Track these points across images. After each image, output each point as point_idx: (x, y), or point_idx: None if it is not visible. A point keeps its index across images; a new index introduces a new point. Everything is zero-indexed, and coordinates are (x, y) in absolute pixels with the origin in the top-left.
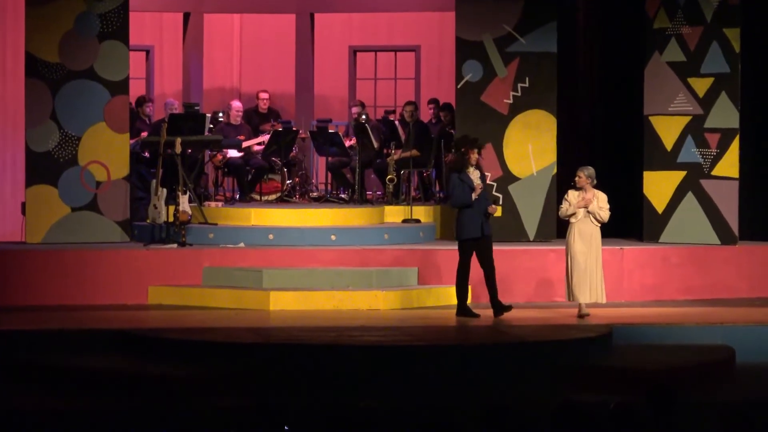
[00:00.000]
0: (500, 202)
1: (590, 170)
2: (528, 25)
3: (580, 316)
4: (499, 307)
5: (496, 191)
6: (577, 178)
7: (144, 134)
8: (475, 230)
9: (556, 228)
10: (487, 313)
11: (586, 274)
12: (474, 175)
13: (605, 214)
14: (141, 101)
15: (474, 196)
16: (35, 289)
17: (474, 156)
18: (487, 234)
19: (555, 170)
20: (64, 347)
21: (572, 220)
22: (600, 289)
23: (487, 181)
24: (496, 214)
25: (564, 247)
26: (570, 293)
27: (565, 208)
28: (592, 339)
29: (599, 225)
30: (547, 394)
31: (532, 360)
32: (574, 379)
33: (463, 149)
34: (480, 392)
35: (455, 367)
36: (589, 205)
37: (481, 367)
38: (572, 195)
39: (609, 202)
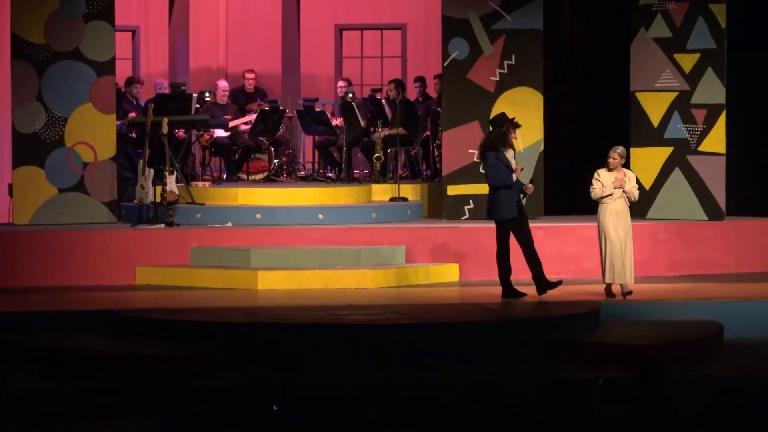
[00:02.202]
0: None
1: (622, 150)
2: (514, 3)
3: (625, 293)
4: (544, 285)
5: (482, 169)
6: (611, 159)
7: (132, 115)
8: (512, 210)
9: (544, 205)
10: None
11: (621, 254)
12: (509, 154)
13: (638, 193)
14: (130, 82)
15: (515, 176)
16: (23, 271)
17: (513, 136)
18: (523, 212)
19: (542, 147)
20: (52, 328)
21: (606, 201)
22: (631, 270)
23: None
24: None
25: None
26: (610, 274)
27: (599, 189)
28: (580, 315)
29: (629, 204)
30: (536, 371)
31: (520, 337)
32: (562, 355)
33: (504, 127)
34: (468, 370)
35: (443, 345)
36: (625, 186)
37: (469, 344)
38: (604, 175)
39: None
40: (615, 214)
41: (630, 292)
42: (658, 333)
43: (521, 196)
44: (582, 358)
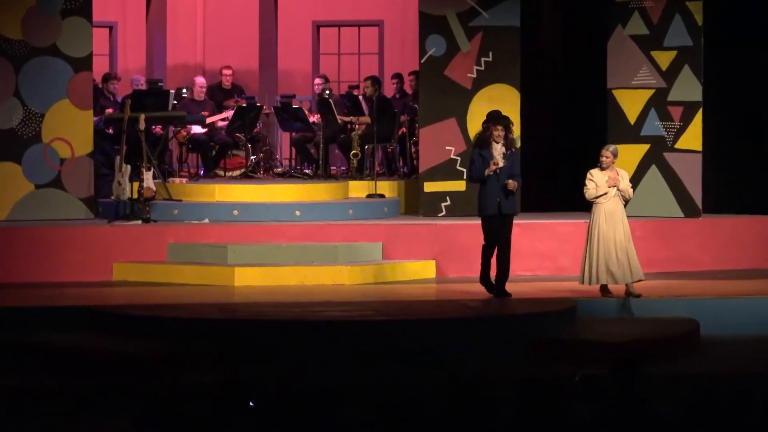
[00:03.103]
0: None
1: (615, 148)
2: (491, 1)
3: (634, 295)
4: (499, 289)
5: (459, 166)
6: (603, 158)
7: (109, 111)
8: (491, 207)
9: (520, 202)
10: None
11: (617, 255)
12: (498, 151)
13: (632, 191)
14: (107, 78)
15: (487, 172)
16: None
17: (497, 132)
18: (506, 212)
19: (519, 144)
20: (28, 324)
21: (601, 200)
22: (637, 266)
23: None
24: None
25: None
26: (591, 276)
27: (593, 189)
28: (556, 313)
29: (624, 203)
30: (513, 368)
31: (497, 334)
32: (539, 352)
33: (484, 125)
34: (445, 367)
35: (420, 342)
36: (619, 185)
37: (445, 341)
38: (597, 175)
39: (573, 175)
40: (610, 214)
41: (638, 295)
42: (635, 330)
43: (505, 194)
44: (558, 355)
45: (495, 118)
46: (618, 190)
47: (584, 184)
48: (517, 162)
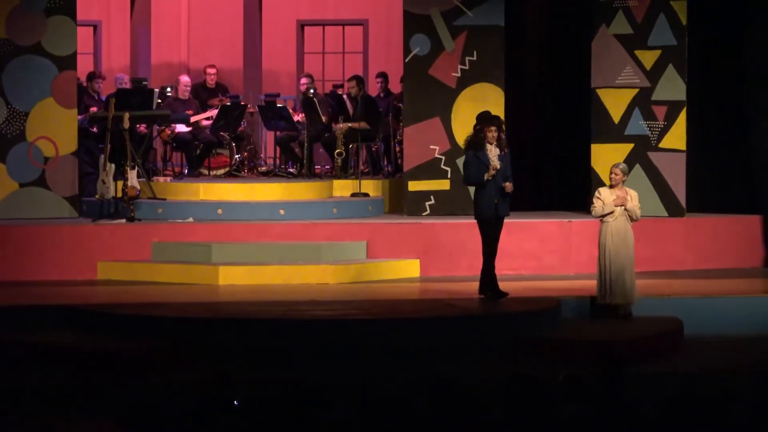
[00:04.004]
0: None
1: (624, 166)
2: (475, 0)
3: (624, 316)
4: (495, 291)
5: (444, 165)
6: (612, 176)
7: (93, 110)
8: (488, 210)
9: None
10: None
11: (618, 274)
12: (493, 153)
13: (640, 212)
14: (91, 77)
15: (487, 177)
16: None
17: (491, 134)
18: (502, 215)
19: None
20: (12, 323)
21: (608, 219)
22: (634, 289)
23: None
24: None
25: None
26: (605, 294)
27: (600, 208)
28: (541, 312)
29: (632, 223)
30: (498, 367)
31: (482, 333)
32: (524, 351)
33: (478, 127)
34: (430, 366)
35: (405, 341)
36: (626, 204)
37: (430, 340)
38: (605, 193)
39: (557, 174)
40: (615, 234)
41: (630, 314)
42: (619, 329)
43: (502, 196)
44: (543, 353)
45: (487, 119)
46: (625, 209)
47: (592, 202)
48: (509, 162)
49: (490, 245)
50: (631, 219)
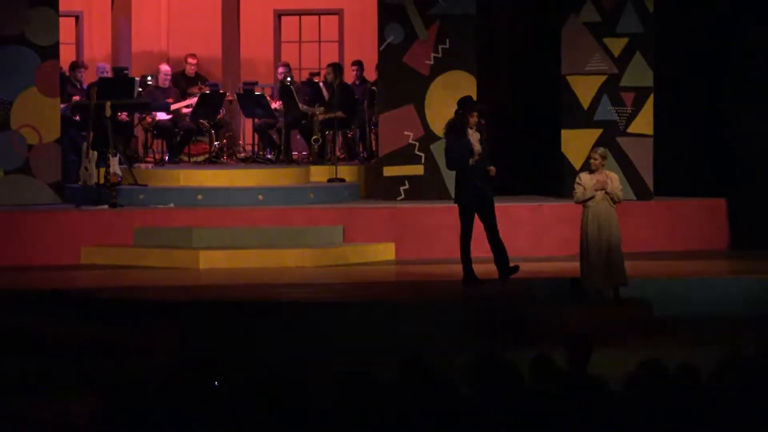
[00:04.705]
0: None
1: (603, 150)
2: None
3: (613, 299)
4: (505, 271)
5: (418, 151)
6: (591, 160)
7: (76, 98)
8: (469, 193)
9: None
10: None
11: (601, 256)
12: (474, 137)
13: (622, 194)
14: (74, 66)
15: (472, 161)
16: None
17: (473, 119)
18: (490, 197)
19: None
20: None
21: (590, 203)
22: (621, 270)
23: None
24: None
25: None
26: (589, 278)
27: (581, 193)
28: (512, 293)
29: (615, 206)
30: (470, 348)
31: (455, 314)
32: (495, 332)
33: (461, 111)
34: (402, 347)
35: (379, 323)
36: (606, 187)
37: (403, 322)
38: (585, 178)
39: (528, 159)
40: (597, 218)
41: (617, 298)
42: (589, 310)
43: (485, 180)
44: (514, 334)
45: (469, 104)
46: (606, 192)
47: (574, 188)
48: (488, 147)
49: (470, 229)
50: (614, 201)
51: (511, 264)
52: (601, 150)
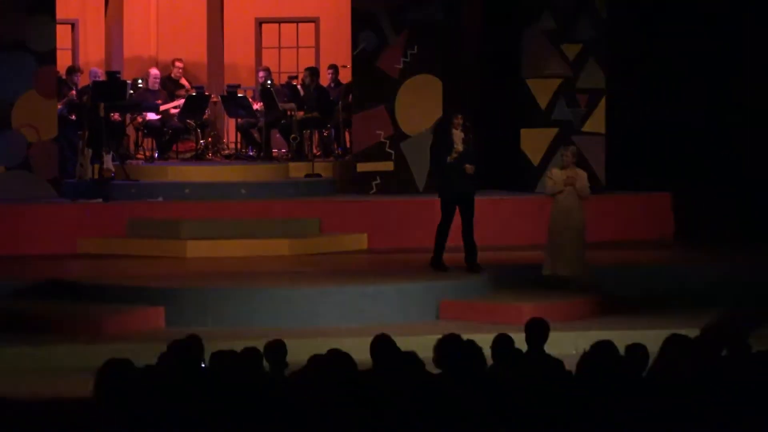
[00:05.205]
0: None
1: (574, 149)
2: None
3: (578, 288)
4: (471, 269)
5: (388, 148)
6: (563, 158)
7: (72, 93)
8: (449, 189)
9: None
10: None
11: (565, 247)
12: (457, 137)
13: (588, 192)
14: (70, 70)
15: (449, 159)
16: None
17: (457, 120)
18: (468, 192)
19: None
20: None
21: (558, 197)
22: (582, 261)
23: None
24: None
25: None
26: (551, 265)
27: (551, 186)
28: (476, 279)
29: (581, 200)
30: (435, 329)
31: (421, 298)
32: (459, 315)
33: (446, 114)
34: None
35: (351, 306)
36: (575, 184)
37: (374, 306)
38: (557, 173)
39: (490, 157)
40: (564, 210)
41: (580, 286)
42: (545, 295)
43: (464, 177)
44: (476, 317)
45: (455, 108)
46: (574, 188)
47: (545, 182)
48: (473, 147)
49: (448, 223)
50: (581, 197)
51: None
52: (572, 148)
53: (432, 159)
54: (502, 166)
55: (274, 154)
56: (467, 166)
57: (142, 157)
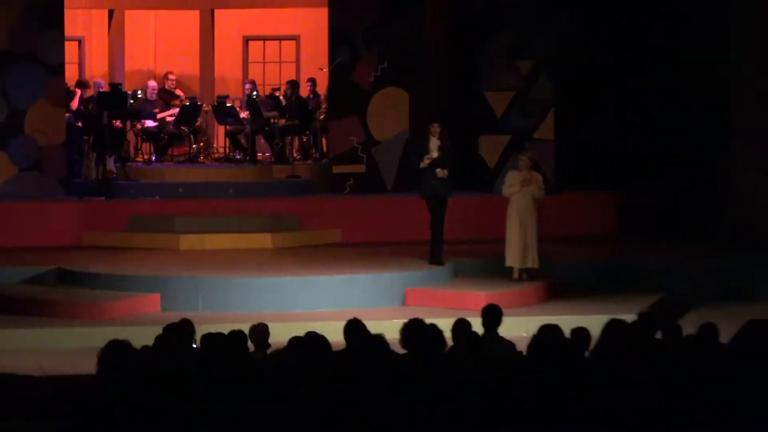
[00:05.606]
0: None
1: (531, 154)
2: (387, 18)
3: (516, 278)
4: (435, 257)
5: (360, 153)
6: (519, 162)
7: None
8: (425, 190)
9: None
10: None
11: (520, 243)
12: (434, 144)
13: (541, 193)
14: (80, 84)
15: (422, 164)
16: None
17: (434, 128)
18: (442, 195)
19: (408, 135)
20: (15, 279)
21: (514, 197)
22: (535, 256)
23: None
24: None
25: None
26: (508, 259)
27: (508, 187)
28: (438, 270)
29: (535, 200)
30: (400, 314)
31: (388, 286)
32: (422, 301)
33: (425, 125)
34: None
35: (326, 293)
36: (530, 186)
37: (347, 293)
38: (513, 176)
39: (453, 162)
40: (519, 209)
41: (530, 275)
42: (499, 283)
43: (438, 180)
44: (438, 303)
45: (431, 118)
46: (530, 189)
47: (504, 183)
48: (449, 152)
49: (432, 219)
50: (536, 198)
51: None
52: (529, 154)
53: (407, 163)
54: (462, 169)
55: (258, 158)
56: (438, 170)
57: (141, 159)
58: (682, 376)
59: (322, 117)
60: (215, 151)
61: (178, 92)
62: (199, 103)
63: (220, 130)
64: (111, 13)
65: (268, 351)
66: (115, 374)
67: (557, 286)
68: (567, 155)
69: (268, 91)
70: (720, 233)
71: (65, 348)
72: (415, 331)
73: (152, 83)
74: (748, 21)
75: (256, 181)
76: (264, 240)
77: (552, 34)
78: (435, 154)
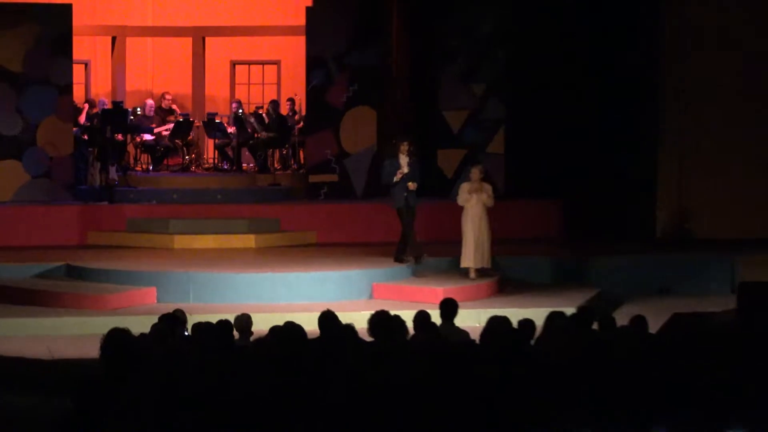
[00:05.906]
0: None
1: (482, 167)
2: (357, 46)
3: (473, 278)
4: (398, 257)
5: (334, 164)
6: (471, 174)
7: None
8: (400, 201)
9: (379, 190)
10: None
11: (474, 246)
12: (404, 160)
13: (491, 201)
14: (86, 102)
15: (396, 179)
16: (5, 234)
17: (403, 146)
18: (411, 205)
19: (375, 149)
20: (27, 275)
21: (467, 205)
22: (488, 257)
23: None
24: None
25: None
26: (464, 260)
27: (463, 198)
28: (402, 267)
29: (486, 208)
30: (368, 307)
31: (356, 282)
32: (389, 295)
33: (394, 141)
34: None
35: (303, 287)
36: (482, 194)
37: (321, 287)
38: (465, 186)
39: (421, 176)
40: (473, 217)
41: (483, 273)
42: (456, 279)
43: (409, 191)
44: (401, 297)
45: (401, 136)
46: (481, 198)
47: (454, 193)
48: (417, 168)
49: (405, 226)
50: (486, 205)
51: (405, 259)
52: (480, 166)
53: (381, 178)
54: (422, 179)
55: (244, 168)
56: (409, 183)
57: (140, 169)
58: (614, 362)
59: (298, 131)
60: (205, 161)
61: (175, 108)
62: (191, 119)
63: (210, 143)
64: (114, 39)
65: (251, 338)
66: (116, 358)
67: (507, 283)
68: (516, 167)
69: (252, 109)
70: (652, 234)
71: (72, 335)
72: (381, 321)
73: (150, 101)
74: (671, 40)
75: (242, 189)
76: (248, 240)
77: (501, 60)
78: (406, 169)
